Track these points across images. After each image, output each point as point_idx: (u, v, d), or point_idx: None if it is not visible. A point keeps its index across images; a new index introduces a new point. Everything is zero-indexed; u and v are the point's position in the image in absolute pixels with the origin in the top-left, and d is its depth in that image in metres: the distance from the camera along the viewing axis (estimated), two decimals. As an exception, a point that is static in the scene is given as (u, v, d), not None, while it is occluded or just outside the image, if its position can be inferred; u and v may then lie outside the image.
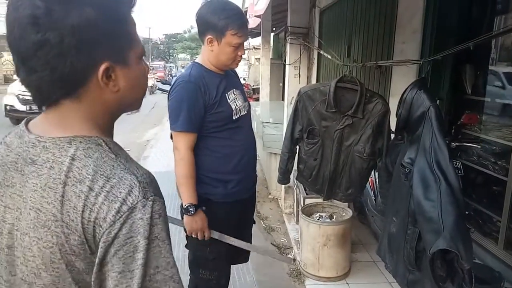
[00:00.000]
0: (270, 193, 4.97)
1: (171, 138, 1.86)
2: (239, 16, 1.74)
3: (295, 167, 3.03)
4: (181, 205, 1.81)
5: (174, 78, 1.83)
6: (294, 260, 2.35)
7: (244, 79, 14.47)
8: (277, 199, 4.75)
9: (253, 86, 12.78)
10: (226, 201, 1.86)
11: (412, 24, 3.23)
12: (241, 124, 1.88)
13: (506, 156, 2.75)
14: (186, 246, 1.96)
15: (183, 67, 15.85)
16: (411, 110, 1.72)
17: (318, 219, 3.02)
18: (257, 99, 10.21)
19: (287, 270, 3.09)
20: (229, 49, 1.74)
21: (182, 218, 1.83)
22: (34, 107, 6.89)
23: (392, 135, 2.30)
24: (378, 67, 2.88)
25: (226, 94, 1.82)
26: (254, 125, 7.20)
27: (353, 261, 3.11)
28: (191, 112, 1.72)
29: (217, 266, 1.91)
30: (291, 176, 3.24)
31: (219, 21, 1.68)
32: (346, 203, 3.21)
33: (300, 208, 3.30)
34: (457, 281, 1.51)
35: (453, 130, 2.91)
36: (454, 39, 3.03)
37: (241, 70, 17.42)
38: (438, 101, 2.30)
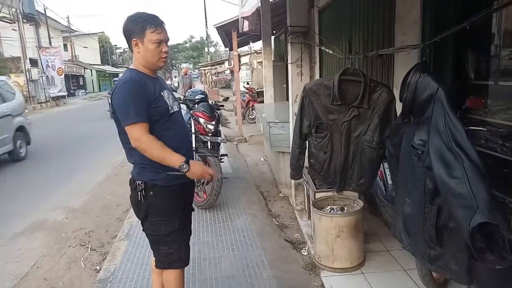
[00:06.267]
0: (280, 192, 5.00)
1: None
2: (154, 18, 1.99)
3: (306, 163, 3.07)
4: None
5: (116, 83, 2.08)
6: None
7: (247, 83, 14.53)
8: (287, 197, 4.78)
9: (257, 89, 12.82)
10: (170, 184, 2.03)
11: (411, 15, 3.26)
12: (175, 117, 2.09)
13: (513, 138, 2.77)
14: (143, 229, 2.15)
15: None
16: (416, 93, 1.75)
17: (330, 212, 3.05)
18: (262, 102, 10.27)
19: (302, 263, 3.12)
20: (152, 46, 1.95)
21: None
22: None
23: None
24: (379, 56, 2.92)
25: (161, 93, 2.04)
26: (261, 126, 7.25)
27: (367, 251, 3.12)
28: (138, 105, 1.91)
29: (175, 240, 2.10)
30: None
31: (137, 25, 1.95)
32: (357, 195, 3.24)
33: (311, 202, 3.33)
34: (497, 251, 1.56)
35: (458, 115, 2.92)
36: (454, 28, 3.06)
37: (244, 74, 17.49)
38: (441, 87, 2.33)
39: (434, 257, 1.88)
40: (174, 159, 1.94)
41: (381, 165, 3.17)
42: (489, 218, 1.47)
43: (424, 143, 1.73)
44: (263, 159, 6.86)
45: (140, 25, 1.94)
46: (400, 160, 2.04)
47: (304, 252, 3.35)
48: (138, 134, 1.90)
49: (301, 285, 2.81)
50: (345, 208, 3.11)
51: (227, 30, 9.56)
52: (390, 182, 3.21)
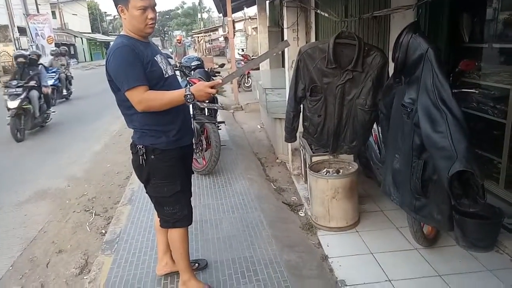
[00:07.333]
0: (277, 158, 5.11)
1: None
2: None
3: (300, 129, 3.14)
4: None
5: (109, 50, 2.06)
6: (289, 44, 2.44)
7: (242, 50, 14.32)
8: (284, 162, 4.89)
9: (252, 56, 12.67)
10: (170, 148, 2.09)
11: (408, -24, 3.23)
12: (171, 81, 2.11)
13: (505, 100, 2.85)
14: (146, 192, 2.23)
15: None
16: (407, 53, 1.81)
17: (326, 174, 3.16)
18: (257, 69, 10.19)
19: (300, 224, 3.27)
20: (137, 13, 1.93)
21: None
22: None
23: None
24: (374, 18, 2.93)
25: (155, 57, 2.04)
26: (257, 94, 7.26)
27: (362, 212, 3.26)
28: (135, 69, 1.91)
29: (178, 200, 2.18)
30: (297, 138, 3.36)
31: None
32: (352, 158, 3.35)
33: (308, 166, 3.44)
34: (472, 196, 1.72)
35: (451, 78, 2.98)
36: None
37: (239, 41, 17.20)
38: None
39: (419, 207, 2.04)
40: (179, 98, 1.97)
41: (376, 128, 3.26)
42: (465, 167, 1.63)
43: (414, 101, 1.83)
44: (259, 127, 6.92)
45: None
46: (391, 119, 2.14)
47: (301, 213, 3.50)
48: (139, 97, 1.91)
49: (299, 243, 2.95)
50: (341, 171, 3.21)
51: (220, -5, 9.33)
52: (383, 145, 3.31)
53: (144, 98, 1.92)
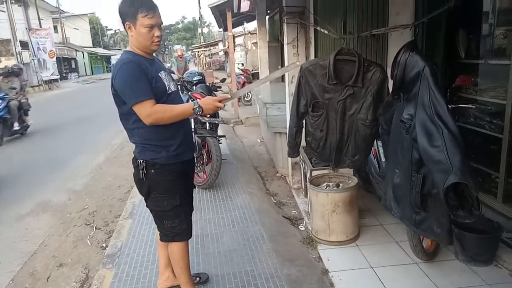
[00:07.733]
0: (277, 172, 5.13)
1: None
2: (147, 1, 2.01)
3: (303, 142, 3.17)
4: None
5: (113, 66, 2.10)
6: (298, 65, 2.57)
7: (242, 65, 14.48)
8: (284, 176, 4.91)
9: (252, 71, 12.81)
10: (170, 162, 2.13)
11: (404, -6, 3.32)
12: (173, 96, 2.16)
13: (501, 115, 2.89)
14: (147, 206, 2.27)
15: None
16: (405, 71, 1.88)
17: (326, 188, 3.19)
18: (257, 83, 10.27)
19: (300, 238, 3.27)
20: (144, 30, 2.00)
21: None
22: None
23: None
24: (372, 36, 3.01)
25: (159, 74, 2.10)
26: (257, 108, 7.33)
27: (362, 226, 3.28)
28: (141, 83, 1.97)
29: (177, 215, 2.21)
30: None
31: (130, 8, 1.99)
32: (351, 173, 3.38)
33: (308, 180, 3.46)
34: (467, 208, 1.77)
35: (448, 93, 3.03)
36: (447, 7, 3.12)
37: (239, 55, 17.41)
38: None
39: (419, 221, 2.08)
40: (188, 111, 2.05)
41: (375, 143, 3.30)
42: (460, 179, 1.69)
43: (412, 117, 1.90)
44: (259, 141, 6.97)
45: (132, 8, 1.97)
46: (391, 134, 2.20)
47: (301, 227, 3.51)
48: (148, 110, 1.96)
49: (299, 257, 2.96)
50: (340, 185, 3.24)
51: (221, 10, 9.50)
52: (383, 159, 3.34)
53: (153, 111, 1.97)
